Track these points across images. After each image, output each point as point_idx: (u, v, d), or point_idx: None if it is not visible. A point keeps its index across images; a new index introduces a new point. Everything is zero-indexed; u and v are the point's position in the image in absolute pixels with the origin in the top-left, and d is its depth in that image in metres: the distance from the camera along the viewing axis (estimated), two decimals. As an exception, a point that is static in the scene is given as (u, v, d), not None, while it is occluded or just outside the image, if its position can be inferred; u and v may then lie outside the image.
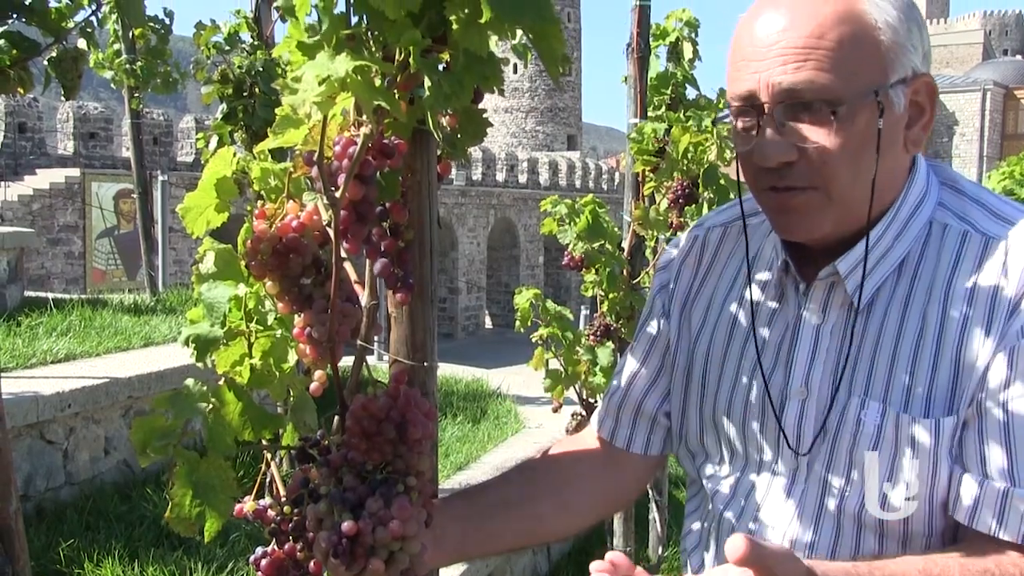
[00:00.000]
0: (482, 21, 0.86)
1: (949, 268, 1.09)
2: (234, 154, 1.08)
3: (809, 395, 1.14)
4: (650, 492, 4.08)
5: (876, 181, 1.07)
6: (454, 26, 0.91)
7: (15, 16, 2.47)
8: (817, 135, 1.06)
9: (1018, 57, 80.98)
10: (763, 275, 1.23)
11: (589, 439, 1.40)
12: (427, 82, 0.92)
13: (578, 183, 31.60)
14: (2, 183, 16.55)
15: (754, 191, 1.16)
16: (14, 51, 2.49)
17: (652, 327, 1.35)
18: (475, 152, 25.54)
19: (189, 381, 1.11)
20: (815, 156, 1.06)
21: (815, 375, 1.15)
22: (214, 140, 3.56)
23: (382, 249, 1.01)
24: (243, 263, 1.04)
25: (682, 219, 3.23)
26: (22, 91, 2.58)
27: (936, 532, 1.10)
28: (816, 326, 1.16)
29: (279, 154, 1.06)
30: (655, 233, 3.36)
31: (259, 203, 1.05)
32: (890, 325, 1.11)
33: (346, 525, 0.93)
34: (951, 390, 1.07)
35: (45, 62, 2.68)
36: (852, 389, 1.11)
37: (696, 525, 1.32)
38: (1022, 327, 1.04)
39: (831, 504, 1.13)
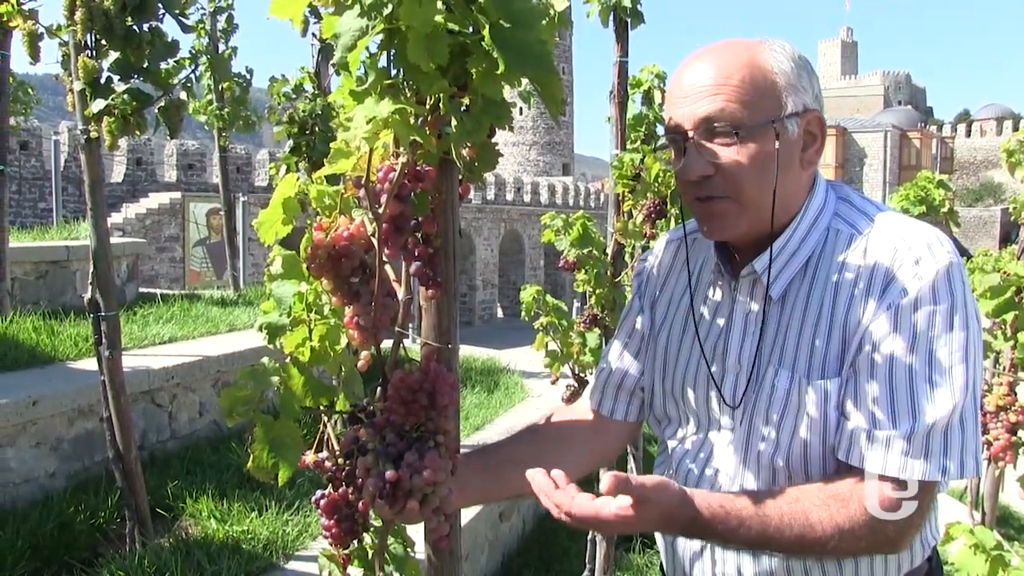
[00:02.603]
0: (498, 73, 0.85)
1: (839, 263, 1.10)
2: (297, 179, 1.07)
3: (741, 369, 1.15)
4: (628, 447, 4.07)
5: (778, 192, 1.09)
6: (474, 77, 0.90)
7: (135, 76, 2.49)
8: (727, 153, 1.08)
9: (908, 107, 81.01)
10: (707, 277, 1.24)
11: (582, 409, 1.39)
12: (453, 121, 0.91)
13: (571, 202, 31.55)
14: (123, 205, 16.68)
15: (686, 203, 1.17)
16: (134, 102, 2.51)
17: (632, 322, 1.35)
18: (489, 177, 25.54)
19: (265, 359, 1.10)
20: (727, 170, 1.08)
21: (745, 353, 1.15)
22: (283, 168, 3.55)
23: (415, 254, 1.00)
24: (304, 266, 1.03)
25: (654, 230, 3.21)
26: (139, 132, 2.60)
27: (829, 470, 1.09)
28: (745, 314, 1.16)
29: (333, 179, 1.04)
30: (633, 241, 3.34)
31: (317, 218, 1.04)
32: (797, 311, 1.11)
33: (389, 473, 0.93)
34: (839, 358, 1.07)
35: (156, 110, 2.69)
36: (770, 362, 1.12)
37: (659, 473, 1.31)
38: (876, 306, 1.04)
39: (758, 453, 1.13)
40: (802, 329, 1.10)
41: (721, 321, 1.19)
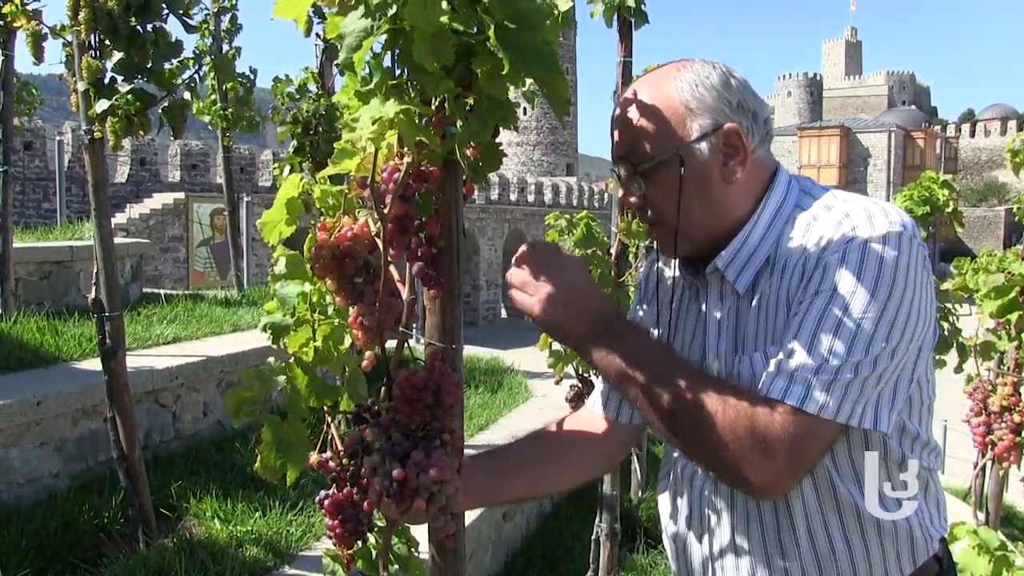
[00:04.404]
0: (503, 73, 0.86)
1: (793, 247, 1.10)
2: (301, 179, 1.07)
3: (720, 364, 1.16)
4: (632, 448, 4.07)
5: (704, 209, 1.14)
6: (479, 77, 0.90)
7: (139, 76, 2.50)
8: (643, 186, 1.15)
9: (912, 107, 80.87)
10: (688, 278, 1.25)
11: (588, 412, 1.39)
12: (458, 121, 0.91)
13: (575, 202, 31.56)
14: (127, 205, 16.71)
15: None
16: (137, 103, 2.51)
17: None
18: (493, 177, 25.54)
19: (271, 359, 1.10)
20: (649, 199, 1.16)
21: (722, 347, 1.16)
22: (287, 169, 3.56)
23: (419, 254, 1.00)
24: (308, 266, 1.03)
25: (657, 230, 3.21)
26: (143, 132, 2.60)
27: None
28: (716, 310, 1.18)
29: (337, 179, 1.04)
30: (636, 241, 3.35)
31: (321, 218, 1.04)
32: (763, 301, 1.12)
33: (396, 472, 0.93)
34: (784, 329, 1.08)
35: (159, 110, 2.70)
36: (739, 350, 1.14)
37: (665, 474, 1.33)
38: (812, 277, 1.05)
39: None
40: (760, 316, 1.12)
41: (699, 319, 1.21)
